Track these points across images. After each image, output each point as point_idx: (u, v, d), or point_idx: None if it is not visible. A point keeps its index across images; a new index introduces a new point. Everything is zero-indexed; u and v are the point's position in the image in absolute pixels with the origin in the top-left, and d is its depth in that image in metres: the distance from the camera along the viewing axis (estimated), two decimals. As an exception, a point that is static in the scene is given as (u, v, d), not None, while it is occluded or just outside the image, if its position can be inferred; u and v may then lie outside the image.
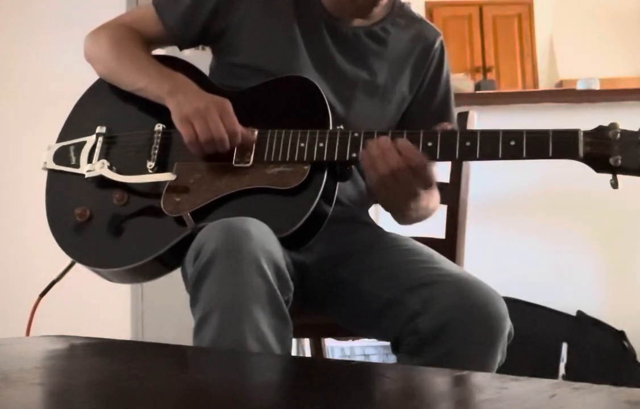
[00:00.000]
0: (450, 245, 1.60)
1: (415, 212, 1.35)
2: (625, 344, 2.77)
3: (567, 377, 2.70)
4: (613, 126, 1.12)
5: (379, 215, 2.12)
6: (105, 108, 1.46)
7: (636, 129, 1.12)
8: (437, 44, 1.49)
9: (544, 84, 5.42)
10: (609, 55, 5.23)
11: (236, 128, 1.28)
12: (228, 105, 1.29)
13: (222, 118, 1.27)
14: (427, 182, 1.22)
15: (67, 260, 1.37)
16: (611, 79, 4.06)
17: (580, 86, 3.26)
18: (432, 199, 1.40)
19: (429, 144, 1.21)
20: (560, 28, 5.54)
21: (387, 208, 1.32)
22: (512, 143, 1.17)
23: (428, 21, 1.55)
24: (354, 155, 1.25)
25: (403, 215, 1.38)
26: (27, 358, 1.02)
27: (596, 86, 3.24)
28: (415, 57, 1.47)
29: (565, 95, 3.24)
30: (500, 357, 1.19)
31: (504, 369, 1.05)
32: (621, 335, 2.79)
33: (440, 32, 1.53)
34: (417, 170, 1.19)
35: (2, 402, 0.68)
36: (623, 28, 5.37)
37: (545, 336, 2.77)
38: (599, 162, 1.13)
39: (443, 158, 1.24)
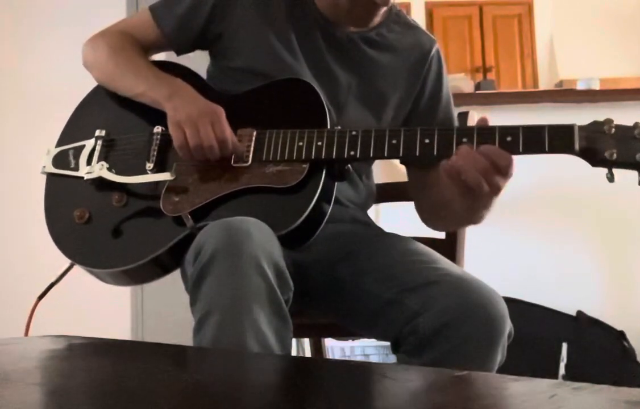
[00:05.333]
0: (450, 245, 1.60)
1: (488, 210, 1.32)
2: (625, 344, 2.77)
3: (567, 377, 2.70)
4: (608, 121, 1.14)
5: (379, 215, 2.13)
6: (104, 112, 1.46)
7: (631, 124, 1.13)
8: (433, 51, 1.49)
9: (544, 84, 5.42)
10: (609, 55, 5.23)
11: (226, 136, 1.28)
12: (220, 112, 1.30)
13: (213, 126, 1.28)
14: (508, 177, 1.19)
15: (66, 262, 1.37)
16: (611, 79, 4.06)
17: (580, 86, 3.26)
18: None
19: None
20: (560, 28, 5.54)
21: (468, 215, 1.31)
22: (509, 139, 1.17)
23: (424, 28, 1.55)
24: (352, 153, 1.25)
25: (480, 216, 1.34)
26: (27, 358, 1.02)
27: (596, 86, 3.24)
28: (411, 63, 1.47)
29: (565, 95, 3.24)
30: (500, 357, 1.19)
31: (504, 369, 1.05)
32: (621, 334, 2.79)
33: (436, 39, 1.53)
34: (505, 169, 1.16)
35: (2, 402, 0.68)
36: (623, 28, 5.37)
37: (545, 336, 2.77)
38: (594, 156, 1.14)
39: (440, 156, 1.23)
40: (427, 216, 1.49)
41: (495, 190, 1.19)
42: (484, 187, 1.16)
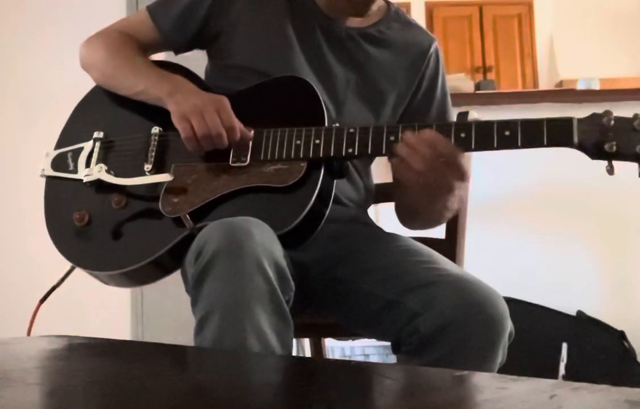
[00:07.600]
0: (450, 245, 1.60)
1: (449, 211, 1.33)
2: (625, 344, 2.77)
3: (567, 377, 2.70)
4: (607, 113, 1.13)
5: (379, 215, 2.13)
6: (102, 114, 1.46)
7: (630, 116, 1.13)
8: (432, 49, 1.50)
9: (544, 84, 5.43)
10: (609, 55, 5.23)
11: (234, 124, 1.28)
12: (226, 102, 1.30)
13: (220, 115, 1.28)
14: (461, 173, 1.19)
15: (67, 264, 1.37)
16: (611, 79, 4.06)
17: (580, 86, 3.26)
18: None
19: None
20: (560, 28, 5.54)
21: (423, 210, 1.32)
22: (507, 133, 1.17)
23: (423, 27, 1.56)
24: (350, 150, 1.25)
25: (437, 217, 1.36)
26: (27, 358, 1.02)
27: (596, 86, 3.24)
28: (410, 61, 1.47)
29: (565, 95, 3.24)
30: (500, 357, 1.19)
31: (504, 370, 1.05)
32: (621, 334, 2.79)
33: (435, 38, 1.53)
34: (450, 160, 1.17)
35: (2, 402, 0.68)
36: (623, 28, 5.37)
37: (545, 336, 2.77)
38: (594, 148, 1.13)
39: None
40: (404, 216, 1.49)
41: (445, 184, 1.19)
42: (429, 176, 1.17)
